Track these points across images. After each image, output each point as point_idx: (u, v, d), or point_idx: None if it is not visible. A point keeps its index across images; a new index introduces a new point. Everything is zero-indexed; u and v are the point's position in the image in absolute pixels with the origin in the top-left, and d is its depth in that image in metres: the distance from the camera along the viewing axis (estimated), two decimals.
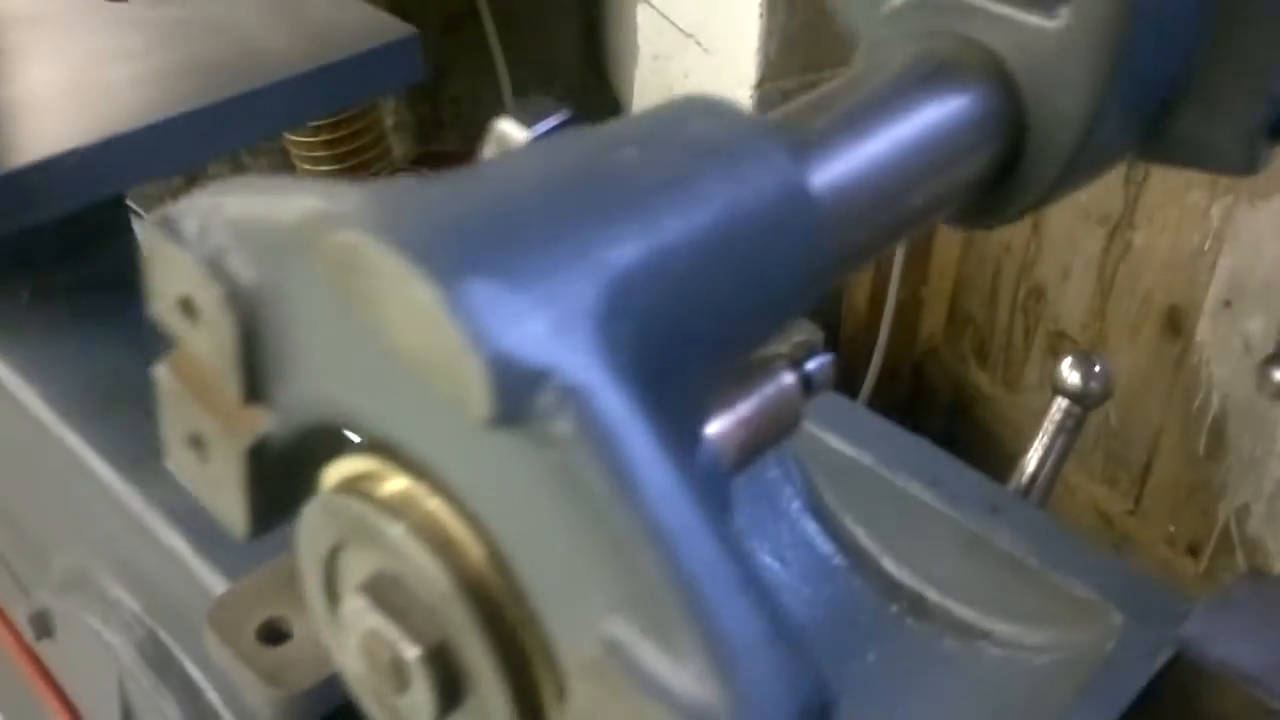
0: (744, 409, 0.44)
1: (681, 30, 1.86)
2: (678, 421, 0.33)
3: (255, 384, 0.38)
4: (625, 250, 0.31)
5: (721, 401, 0.44)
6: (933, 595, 0.82)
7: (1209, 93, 0.44)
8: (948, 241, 2.01)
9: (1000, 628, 0.79)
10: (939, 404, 2.16)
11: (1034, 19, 0.42)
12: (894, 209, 0.39)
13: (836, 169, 0.37)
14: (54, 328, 1.09)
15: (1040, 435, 0.86)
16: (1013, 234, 1.89)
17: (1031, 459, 0.85)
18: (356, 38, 1.05)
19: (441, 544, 0.34)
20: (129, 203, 1.18)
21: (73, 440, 0.92)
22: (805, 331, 0.82)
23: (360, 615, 0.37)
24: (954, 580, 0.81)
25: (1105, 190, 1.71)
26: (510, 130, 0.38)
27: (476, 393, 0.29)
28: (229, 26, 1.06)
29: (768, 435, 0.46)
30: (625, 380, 0.30)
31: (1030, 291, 1.91)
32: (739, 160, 0.34)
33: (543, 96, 0.38)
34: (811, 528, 0.86)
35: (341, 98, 1.13)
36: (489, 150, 0.38)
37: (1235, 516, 1.66)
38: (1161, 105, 0.45)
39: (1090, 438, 1.84)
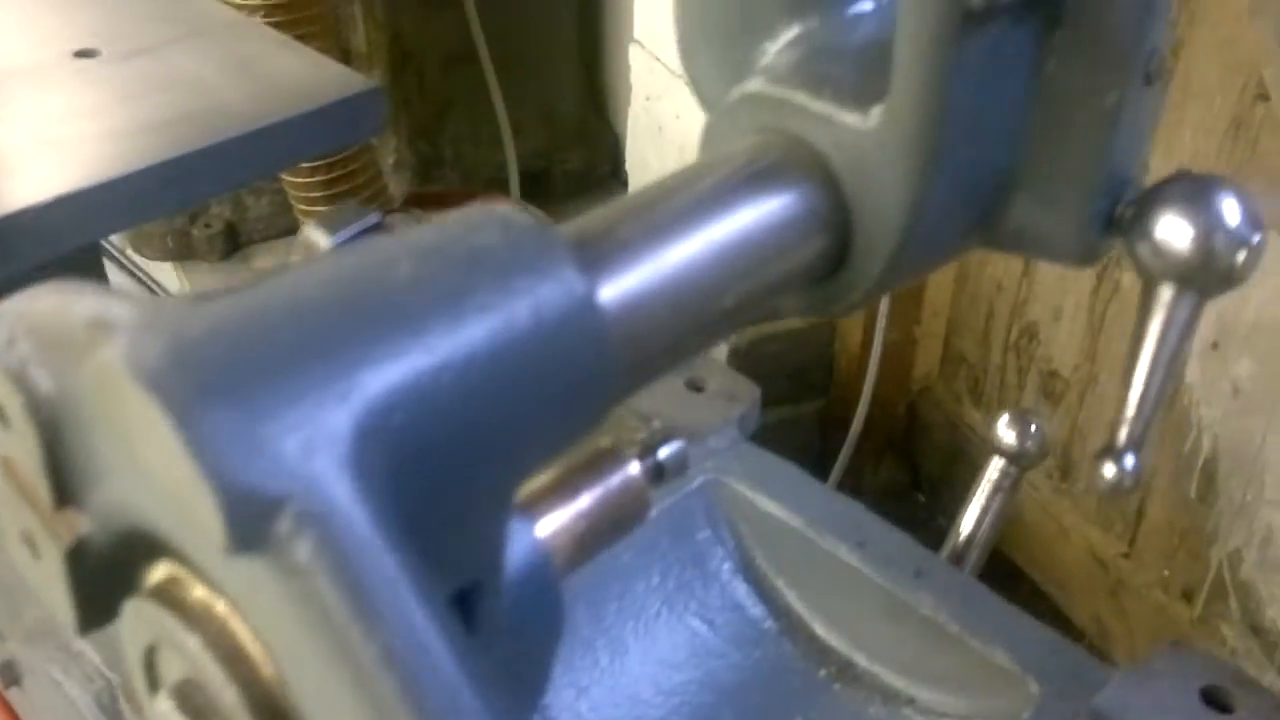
0: (585, 502, 0.45)
1: (672, 71, 1.86)
2: (447, 540, 0.33)
3: (66, 489, 0.38)
4: (383, 371, 0.32)
5: (560, 493, 0.44)
6: (861, 660, 0.82)
7: (1039, 185, 0.44)
8: (941, 281, 2.00)
9: (924, 694, 0.79)
10: (934, 443, 2.15)
11: (850, 118, 0.42)
12: (699, 314, 0.39)
13: (631, 280, 0.37)
14: None
15: (975, 495, 0.85)
16: (1005, 273, 1.88)
17: (967, 521, 0.85)
18: (317, 92, 1.07)
19: (233, 657, 0.35)
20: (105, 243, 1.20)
21: None
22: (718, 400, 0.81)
23: (167, 717, 0.37)
24: (880, 645, 0.81)
25: None
26: (315, 238, 0.38)
27: (212, 522, 0.29)
28: (193, 82, 1.08)
29: (611, 528, 0.46)
30: (372, 504, 0.31)
31: (1023, 331, 1.89)
32: (519, 274, 0.35)
33: (354, 205, 0.39)
34: (742, 590, 0.86)
35: (302, 151, 1.15)
36: (295, 257, 0.39)
37: (1228, 561, 1.64)
38: (996, 196, 0.45)
39: (1083, 478, 1.82)
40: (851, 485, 2.16)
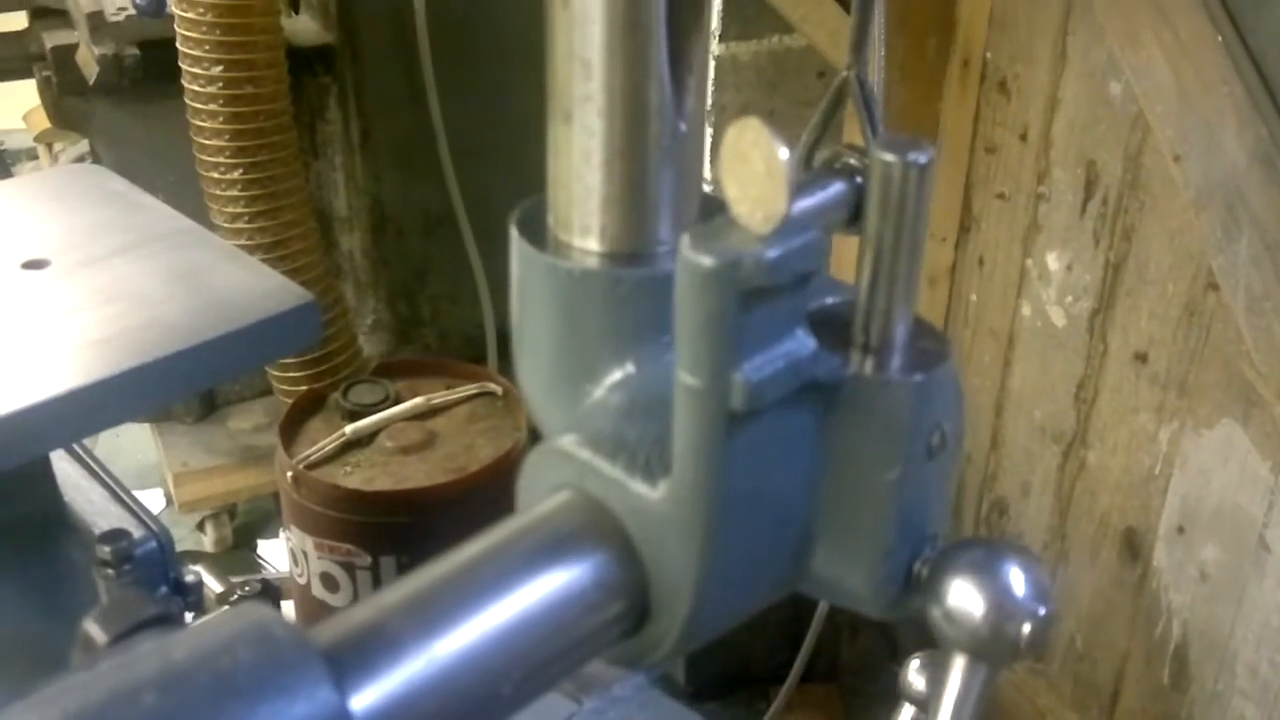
0: None
1: None
2: None
3: None
4: None
5: None
6: None
7: (835, 543, 0.45)
8: None
9: None
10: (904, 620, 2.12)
11: (640, 488, 0.42)
12: (473, 708, 0.39)
13: (393, 682, 0.37)
14: None
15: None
16: (973, 445, 1.88)
17: None
18: (257, 305, 1.09)
19: None
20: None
21: None
22: None
23: None
24: None
25: (1057, 406, 1.70)
26: (93, 633, 0.39)
27: None
28: (138, 295, 1.10)
29: None
30: None
31: (993, 506, 1.88)
32: (268, 698, 0.35)
33: (138, 597, 0.39)
34: None
35: (241, 364, 1.17)
36: (75, 650, 0.39)
37: None
38: (802, 548, 0.45)
39: (1059, 659, 1.79)
40: (829, 656, 2.13)
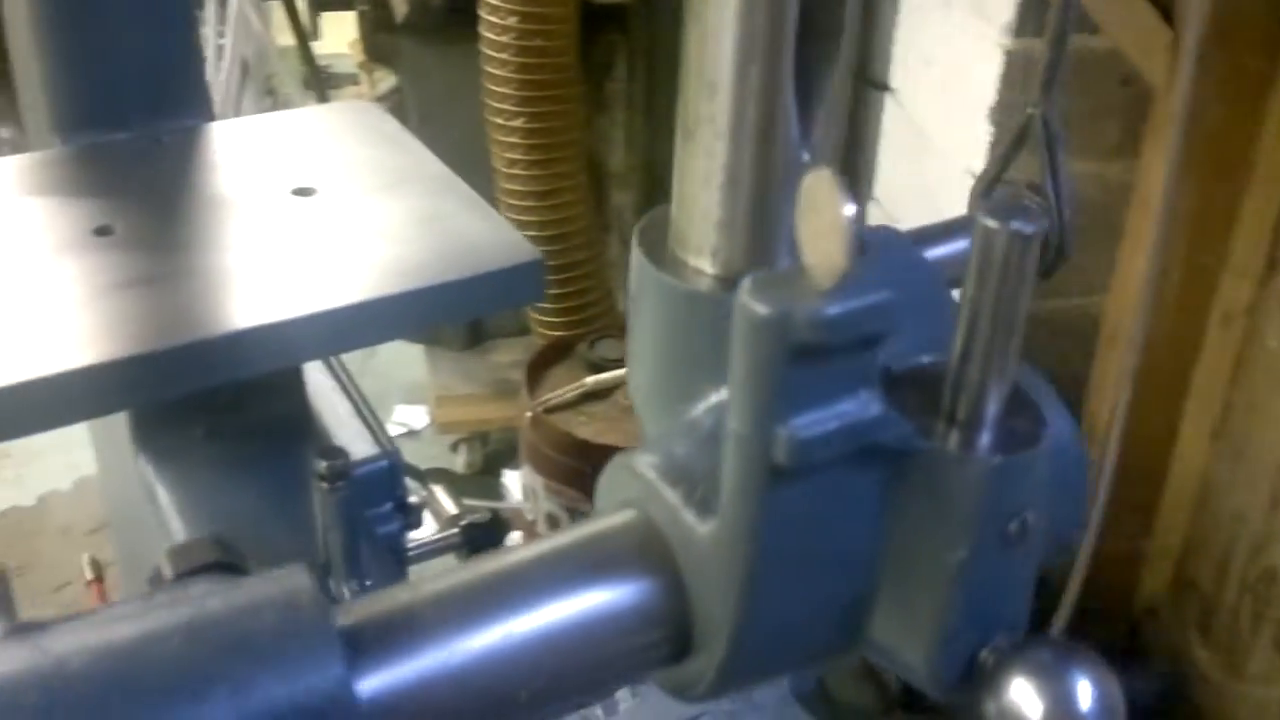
0: None
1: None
2: None
3: None
4: None
5: None
6: None
7: (895, 617, 0.42)
8: (1179, 496, 1.85)
9: None
10: (1155, 670, 1.97)
11: (690, 518, 0.42)
12: (486, 710, 0.40)
13: (406, 670, 0.39)
14: (219, 468, 1.23)
15: None
16: (1248, 504, 1.72)
17: None
18: (487, 257, 1.13)
19: None
20: None
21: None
22: None
23: None
24: None
25: None
26: (164, 568, 0.42)
27: None
28: (387, 231, 1.17)
29: None
30: None
31: (1263, 575, 1.71)
32: (280, 664, 0.37)
33: (207, 543, 0.43)
34: None
35: (470, 308, 1.22)
36: (151, 578, 0.43)
37: None
38: (860, 612, 0.43)
39: None
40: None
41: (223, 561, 0.42)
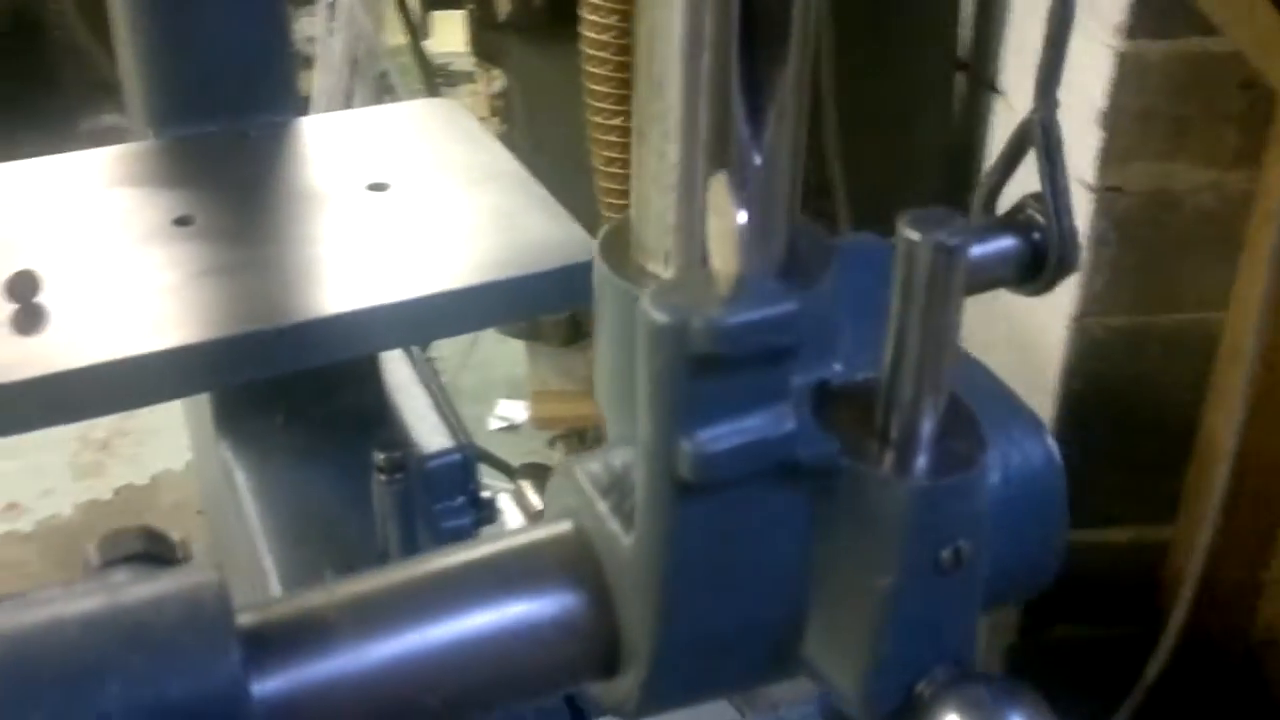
0: None
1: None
2: None
3: None
4: None
5: None
6: None
7: (825, 642, 0.40)
8: None
9: None
10: (1274, 703, 1.87)
11: (616, 529, 0.40)
12: (392, 707, 0.39)
13: (306, 677, 0.38)
14: (296, 455, 1.26)
15: None
16: None
17: None
18: (551, 255, 1.13)
19: None
20: None
21: (267, 562, 1.07)
22: None
23: None
24: None
25: None
26: (90, 555, 0.43)
27: None
28: (458, 226, 1.18)
29: None
30: None
31: None
32: (172, 659, 0.37)
33: (137, 532, 0.43)
34: None
35: (523, 308, 1.22)
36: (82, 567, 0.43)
37: None
38: (792, 635, 0.41)
39: None
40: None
41: (150, 552, 0.43)
